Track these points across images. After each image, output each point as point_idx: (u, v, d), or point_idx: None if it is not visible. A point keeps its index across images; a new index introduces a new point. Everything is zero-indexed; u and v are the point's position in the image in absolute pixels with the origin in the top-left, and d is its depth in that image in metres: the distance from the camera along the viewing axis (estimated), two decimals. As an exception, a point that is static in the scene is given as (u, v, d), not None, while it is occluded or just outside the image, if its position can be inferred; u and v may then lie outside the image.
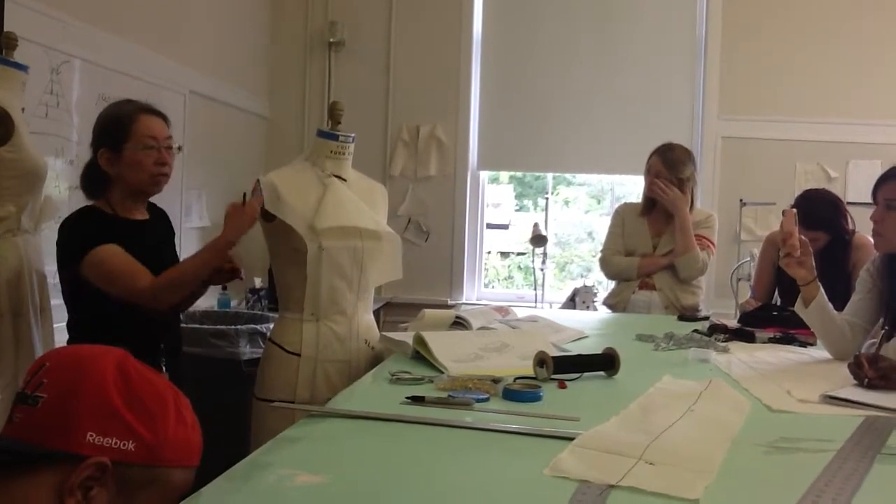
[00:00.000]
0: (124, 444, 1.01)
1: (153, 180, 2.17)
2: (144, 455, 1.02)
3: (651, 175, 3.36)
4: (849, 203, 3.16)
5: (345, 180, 2.41)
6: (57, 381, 1.03)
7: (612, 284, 3.55)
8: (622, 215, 3.52)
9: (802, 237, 2.26)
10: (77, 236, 2.10)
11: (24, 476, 0.99)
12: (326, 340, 2.31)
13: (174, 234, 2.42)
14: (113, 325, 2.08)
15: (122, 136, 2.13)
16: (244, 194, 2.24)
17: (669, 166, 3.33)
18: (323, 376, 2.29)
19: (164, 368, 2.14)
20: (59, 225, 2.16)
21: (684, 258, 3.30)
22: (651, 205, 3.43)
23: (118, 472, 1.00)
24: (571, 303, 4.31)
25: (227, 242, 2.14)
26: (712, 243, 3.40)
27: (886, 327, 2.30)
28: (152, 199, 2.30)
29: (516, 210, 7.33)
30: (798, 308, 2.32)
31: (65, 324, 2.21)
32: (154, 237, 2.25)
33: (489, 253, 5.98)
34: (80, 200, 2.26)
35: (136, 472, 1.02)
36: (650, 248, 3.40)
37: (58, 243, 2.14)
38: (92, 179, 2.19)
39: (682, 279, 3.33)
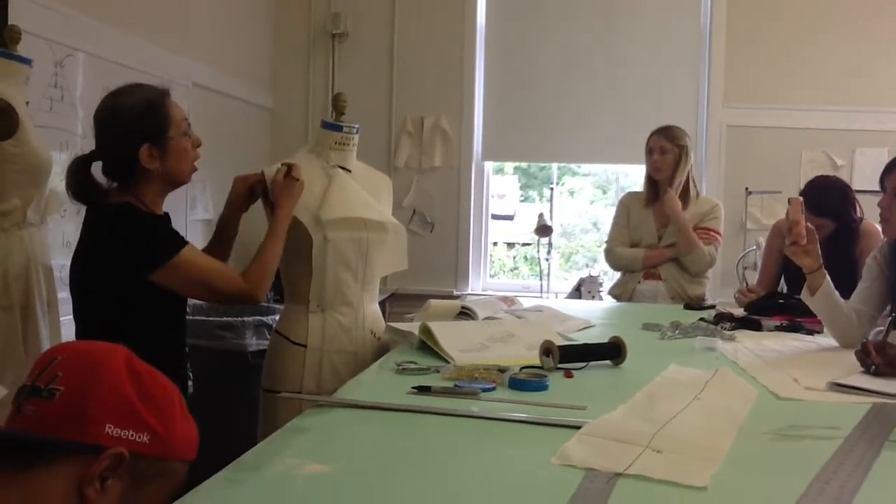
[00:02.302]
0: (140, 437, 1.04)
1: (193, 168, 2.05)
2: (157, 447, 1.05)
3: (656, 153, 3.37)
4: (855, 191, 3.15)
5: (349, 171, 2.41)
6: (72, 375, 1.04)
7: (617, 275, 3.55)
8: (627, 205, 3.52)
9: (809, 225, 2.26)
10: (149, 241, 1.87)
11: (42, 467, 1.00)
12: (332, 331, 2.31)
13: None
14: (129, 326, 1.89)
15: (162, 125, 1.91)
16: (288, 167, 2.19)
17: (668, 137, 3.37)
18: (329, 367, 2.29)
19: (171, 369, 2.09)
20: (108, 230, 1.88)
21: (690, 257, 3.31)
22: (654, 191, 3.43)
23: (131, 463, 1.02)
24: (577, 293, 4.31)
25: (287, 214, 2.13)
26: (719, 234, 3.40)
27: (893, 314, 2.29)
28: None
29: (521, 201, 7.34)
30: (804, 296, 2.31)
31: (70, 317, 2.20)
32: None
33: (495, 244, 5.99)
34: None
35: (147, 463, 1.05)
36: (655, 238, 3.40)
37: (116, 249, 1.85)
38: (122, 174, 1.93)
39: (692, 275, 3.34)
